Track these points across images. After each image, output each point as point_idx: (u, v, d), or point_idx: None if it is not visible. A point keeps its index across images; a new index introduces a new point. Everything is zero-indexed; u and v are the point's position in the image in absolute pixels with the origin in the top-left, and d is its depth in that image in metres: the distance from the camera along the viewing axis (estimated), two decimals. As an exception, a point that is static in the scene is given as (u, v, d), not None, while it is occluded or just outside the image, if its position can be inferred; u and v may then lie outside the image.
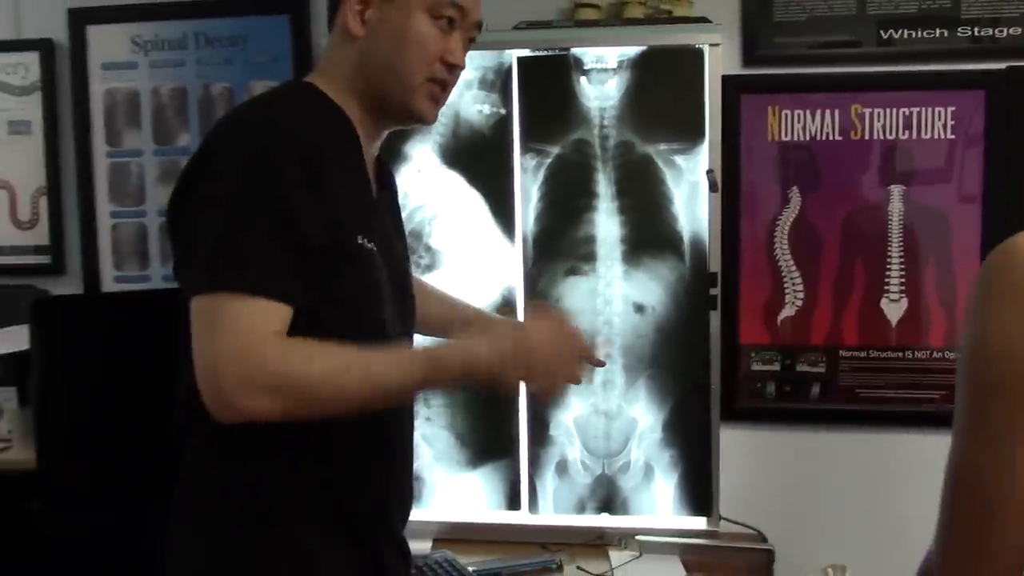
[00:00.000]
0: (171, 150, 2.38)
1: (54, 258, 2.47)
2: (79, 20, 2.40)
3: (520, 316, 2.05)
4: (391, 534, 1.34)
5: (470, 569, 1.94)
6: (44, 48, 2.43)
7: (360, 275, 1.19)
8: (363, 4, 1.25)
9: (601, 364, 1.38)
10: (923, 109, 2.07)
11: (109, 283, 2.44)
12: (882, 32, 2.09)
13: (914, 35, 2.08)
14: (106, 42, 2.39)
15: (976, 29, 2.05)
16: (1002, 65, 2.04)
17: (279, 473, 1.20)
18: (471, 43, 1.31)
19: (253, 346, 1.08)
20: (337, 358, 1.12)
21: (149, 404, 1.46)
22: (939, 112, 2.07)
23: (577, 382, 1.22)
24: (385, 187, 1.40)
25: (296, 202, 1.12)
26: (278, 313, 1.11)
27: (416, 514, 2.10)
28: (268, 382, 1.08)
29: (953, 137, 2.06)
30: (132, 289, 2.42)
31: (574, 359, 1.23)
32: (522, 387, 1.18)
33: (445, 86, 1.28)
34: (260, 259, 1.10)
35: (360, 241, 1.19)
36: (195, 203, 1.16)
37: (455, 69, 1.27)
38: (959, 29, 2.06)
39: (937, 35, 2.07)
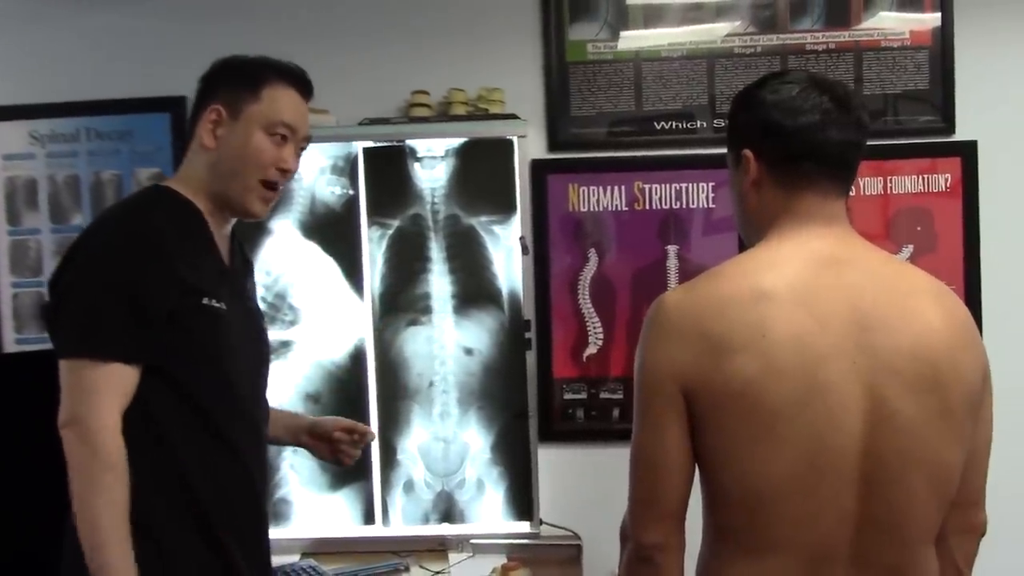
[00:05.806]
0: (66, 228, 2.58)
1: (-41, 324, 2.63)
2: (-18, 117, 2.60)
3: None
4: (244, 538, 1.56)
5: (331, 573, 2.24)
6: (-50, 143, 2.62)
7: (207, 331, 1.47)
8: (215, 123, 1.54)
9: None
10: (690, 184, 2.49)
11: (10, 345, 2.62)
12: (655, 123, 2.50)
13: (680, 126, 2.50)
14: (7, 136, 2.59)
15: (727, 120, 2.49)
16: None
17: (148, 489, 1.44)
18: (302, 151, 1.64)
19: (91, 421, 1.37)
20: (106, 514, 1.37)
21: (54, 439, 1.67)
22: (702, 186, 2.49)
23: None
24: (243, 260, 1.69)
25: (135, 278, 1.40)
26: (121, 373, 1.39)
27: (285, 531, 2.44)
28: (86, 446, 1.37)
29: (714, 206, 2.49)
30: (33, 349, 2.58)
31: None
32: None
33: (276, 187, 1.58)
34: (104, 329, 1.39)
35: (206, 302, 1.47)
36: (63, 289, 1.45)
37: (287, 173, 1.59)
38: (715, 121, 2.48)
39: (698, 125, 2.50)
